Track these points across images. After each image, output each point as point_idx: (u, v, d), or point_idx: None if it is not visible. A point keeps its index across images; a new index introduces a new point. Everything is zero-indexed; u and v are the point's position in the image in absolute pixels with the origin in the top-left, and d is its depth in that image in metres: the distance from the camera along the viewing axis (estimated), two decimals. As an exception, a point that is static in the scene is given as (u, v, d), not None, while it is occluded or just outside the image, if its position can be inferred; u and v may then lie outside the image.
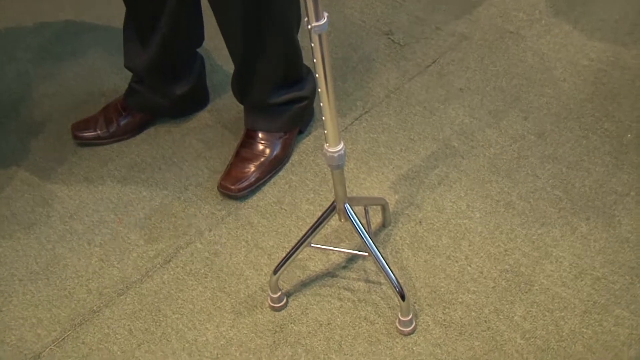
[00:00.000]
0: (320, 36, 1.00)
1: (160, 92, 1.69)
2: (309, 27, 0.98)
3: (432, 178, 1.57)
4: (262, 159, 1.59)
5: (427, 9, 2.05)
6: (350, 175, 1.60)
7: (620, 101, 1.70)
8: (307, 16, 0.98)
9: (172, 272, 1.46)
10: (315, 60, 1.02)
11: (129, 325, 1.38)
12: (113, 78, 1.93)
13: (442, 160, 1.61)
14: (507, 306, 1.32)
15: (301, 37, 1.55)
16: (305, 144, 1.69)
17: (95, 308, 1.41)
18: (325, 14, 0.98)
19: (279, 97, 1.57)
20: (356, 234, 1.26)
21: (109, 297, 1.43)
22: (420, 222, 1.49)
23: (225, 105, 1.81)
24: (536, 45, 1.88)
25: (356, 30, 2.00)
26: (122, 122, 1.72)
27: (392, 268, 1.27)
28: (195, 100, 1.79)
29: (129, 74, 1.71)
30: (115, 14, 2.13)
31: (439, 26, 1.98)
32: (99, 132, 1.71)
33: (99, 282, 1.46)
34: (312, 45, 1.01)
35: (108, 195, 1.63)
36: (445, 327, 1.30)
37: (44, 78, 1.97)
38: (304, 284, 1.41)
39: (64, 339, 1.37)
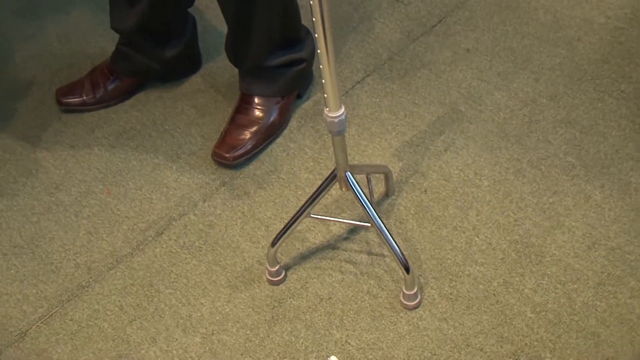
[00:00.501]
0: (319, -7, 0.98)
1: (150, 54, 1.67)
2: (308, -18, 0.96)
3: (438, 144, 1.56)
4: (258, 126, 1.58)
5: (433, -36, 2.01)
6: (352, 141, 1.59)
7: (638, 61, 1.68)
8: (306, -29, 0.95)
9: (164, 245, 1.46)
10: (314, 20, 1.01)
11: (119, 301, 1.38)
12: (99, 39, 1.91)
13: (449, 125, 1.60)
14: (516, 278, 1.32)
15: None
16: (304, 109, 1.68)
17: (84, 283, 1.41)
18: (325, -31, 0.96)
19: (275, 60, 1.55)
20: (358, 204, 1.26)
21: (98, 271, 1.43)
22: (425, 191, 1.48)
23: (219, 69, 1.80)
24: (549, 2, 1.86)
25: (357, -12, 1.97)
26: (110, 87, 1.71)
27: (395, 239, 1.27)
28: (187, 63, 1.77)
29: (116, 35, 1.69)
30: (100, -29, 2.10)
31: (446, -18, 1.95)
32: (85, 97, 1.71)
33: (88, 256, 1.45)
34: (311, 3, 0.99)
35: (95, 165, 1.62)
36: (452, 301, 1.30)
37: (25, 40, 1.94)
38: (304, 257, 1.41)
39: (51, 315, 1.37)
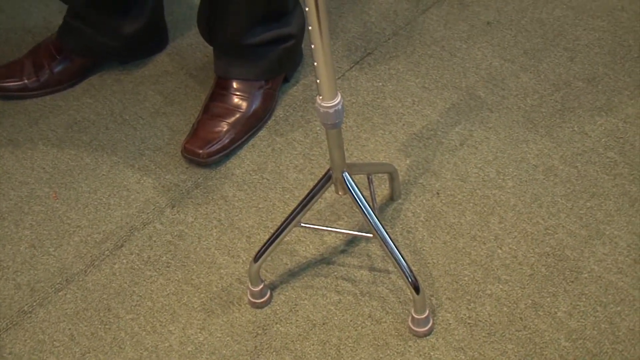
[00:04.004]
0: (311, -43, 0.98)
1: (106, 29, 1.68)
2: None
3: (453, 137, 1.57)
4: (237, 115, 1.58)
5: None
6: (349, 134, 1.60)
7: (692, 37, 1.69)
8: None
9: (124, 261, 1.46)
10: (304, -11, 1.00)
11: (70, 329, 1.38)
12: (42, 10, 1.92)
13: (465, 114, 1.61)
14: (548, 299, 1.32)
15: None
16: (292, 96, 1.69)
17: (26, 308, 1.41)
18: None
19: (258, 36, 1.56)
20: (357, 210, 1.26)
21: (44, 293, 1.43)
22: (437, 193, 1.49)
23: (190, 46, 1.81)
24: (585, -35, 1.87)
25: (355, -52, 1.97)
26: (57, 69, 1.72)
27: (402, 252, 1.27)
28: (150, 39, 1.79)
29: (64, 6, 1.70)
30: None
31: (461, -58, 1.96)
32: (26, 81, 1.72)
33: (31, 274, 1.45)
34: (301, -32, 0.98)
35: (40, 163, 1.62)
36: (471, 327, 1.31)
37: (-47, 12, 1.95)
38: (293, 274, 1.41)
39: (-13, 347, 1.38)
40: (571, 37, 1.72)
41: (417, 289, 1.25)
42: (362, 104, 1.65)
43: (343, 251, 1.43)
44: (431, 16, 1.80)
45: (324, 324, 1.33)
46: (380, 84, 1.69)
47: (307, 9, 1.02)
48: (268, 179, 1.55)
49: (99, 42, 1.69)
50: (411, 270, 1.25)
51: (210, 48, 1.65)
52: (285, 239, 1.40)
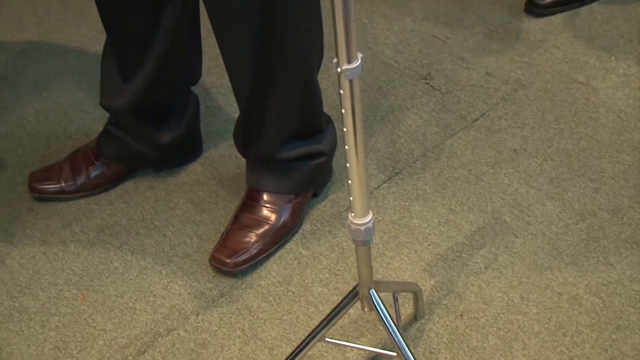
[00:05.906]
0: (351, 82, 1.03)
1: (144, 138, 1.71)
2: (339, 70, 1.01)
3: (478, 260, 1.59)
4: (266, 227, 1.60)
5: (476, 49, 2.09)
6: (375, 251, 1.61)
7: None
8: (337, 57, 1.01)
9: None
10: (343, 111, 1.05)
11: None
12: (84, 117, 1.95)
13: (491, 238, 1.63)
14: None
15: (320, 78, 1.57)
16: (320, 210, 1.71)
17: None
18: (360, 55, 1.01)
19: (291, 151, 1.59)
20: (382, 328, 1.26)
21: None
22: (461, 315, 1.49)
23: (223, 157, 1.83)
24: (611, 99, 1.91)
25: (387, 72, 2.03)
26: (93, 174, 1.74)
27: (426, 374, 1.27)
28: (185, 149, 1.81)
29: (105, 114, 1.73)
30: (90, 37, 2.17)
31: (490, 71, 2.02)
32: (63, 184, 1.74)
33: None
34: (341, 92, 1.04)
35: (70, 265, 1.63)
36: None
37: (-5, 114, 1.99)
38: (313, 389, 1.40)
39: None
40: (596, 169, 1.74)
41: (438, 412, 1.25)
42: (389, 222, 1.66)
43: (365, 369, 1.42)
44: (459, 140, 1.83)
45: None
46: (407, 203, 1.70)
47: (345, 129, 1.07)
48: (293, 292, 1.56)
49: (136, 150, 1.71)
50: (433, 392, 1.26)
51: (243, 160, 1.67)
52: (308, 353, 1.38)
